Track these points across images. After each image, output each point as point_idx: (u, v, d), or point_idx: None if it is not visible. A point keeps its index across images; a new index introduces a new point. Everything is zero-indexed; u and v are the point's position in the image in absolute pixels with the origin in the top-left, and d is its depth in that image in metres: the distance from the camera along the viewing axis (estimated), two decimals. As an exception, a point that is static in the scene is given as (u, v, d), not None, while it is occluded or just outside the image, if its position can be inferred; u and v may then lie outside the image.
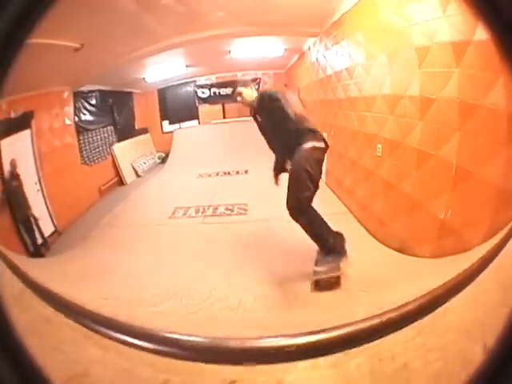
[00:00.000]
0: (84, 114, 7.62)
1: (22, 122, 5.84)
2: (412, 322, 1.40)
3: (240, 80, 10.27)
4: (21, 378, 0.98)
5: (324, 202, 5.30)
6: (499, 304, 1.21)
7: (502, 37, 1.00)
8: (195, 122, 9.41)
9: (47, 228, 5.87)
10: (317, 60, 6.89)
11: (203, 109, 9.49)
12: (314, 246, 3.55)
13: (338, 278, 3.28)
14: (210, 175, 7.81)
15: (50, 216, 6.04)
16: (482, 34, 2.23)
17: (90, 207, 6.91)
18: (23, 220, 5.37)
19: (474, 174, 2.63)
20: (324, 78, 6.50)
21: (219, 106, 9.46)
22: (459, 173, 2.81)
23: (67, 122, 7.07)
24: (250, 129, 8.80)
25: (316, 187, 3.54)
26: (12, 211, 5.23)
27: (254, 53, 8.36)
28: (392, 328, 1.40)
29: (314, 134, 3.65)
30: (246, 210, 5.62)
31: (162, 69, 8.29)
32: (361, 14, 4.71)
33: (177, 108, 9.55)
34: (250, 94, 3.93)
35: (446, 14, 2.79)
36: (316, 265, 3.36)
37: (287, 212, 3.50)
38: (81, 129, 7.44)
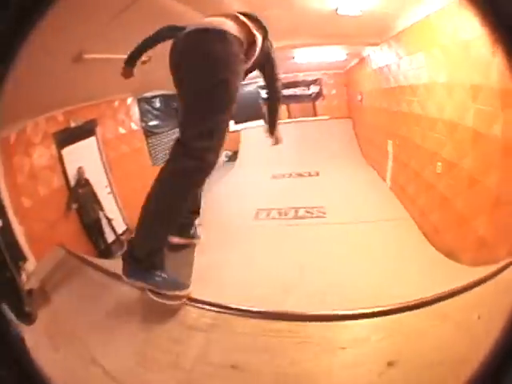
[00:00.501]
0: (150, 119, 7.92)
1: (85, 131, 6.06)
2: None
3: (301, 81, 10.83)
4: (21, 378, 1.02)
5: (388, 207, 5.97)
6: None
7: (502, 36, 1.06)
8: (261, 121, 9.06)
9: (119, 227, 6.21)
10: (379, 69, 7.09)
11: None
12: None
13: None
14: (283, 176, 7.84)
15: (122, 216, 6.38)
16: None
17: None
18: (93, 222, 5.70)
19: (509, 202, 3.21)
20: (388, 88, 6.72)
21: (283, 107, 9.37)
22: (497, 199, 3.39)
23: (134, 127, 7.39)
24: (314, 129, 9.15)
25: None
26: (80, 216, 5.55)
27: (316, 58, 8.58)
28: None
29: None
30: (324, 213, 5.70)
31: None
32: (421, 34, 4.93)
33: (241, 108, 9.11)
34: None
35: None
36: None
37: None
38: (149, 133, 7.76)
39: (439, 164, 4.73)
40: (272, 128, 3.97)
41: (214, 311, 2.23)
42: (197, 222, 3.29)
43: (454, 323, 1.81)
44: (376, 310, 2.04)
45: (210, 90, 2.27)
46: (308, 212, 5.83)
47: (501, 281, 1.92)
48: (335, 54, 8.32)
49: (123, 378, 1.71)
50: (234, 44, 2.36)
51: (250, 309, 2.16)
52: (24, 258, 4.39)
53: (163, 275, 2.31)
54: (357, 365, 1.68)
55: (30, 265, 4.10)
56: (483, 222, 3.63)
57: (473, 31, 3.67)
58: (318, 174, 7.89)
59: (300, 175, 7.93)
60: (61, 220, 5.25)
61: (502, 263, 2.05)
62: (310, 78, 10.58)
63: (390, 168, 6.91)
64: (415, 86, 5.47)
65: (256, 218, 6.09)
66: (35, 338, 1.33)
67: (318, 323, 2.06)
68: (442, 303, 1.98)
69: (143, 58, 4.58)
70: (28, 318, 1.39)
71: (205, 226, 5.84)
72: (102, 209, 5.89)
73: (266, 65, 3.38)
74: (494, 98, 3.43)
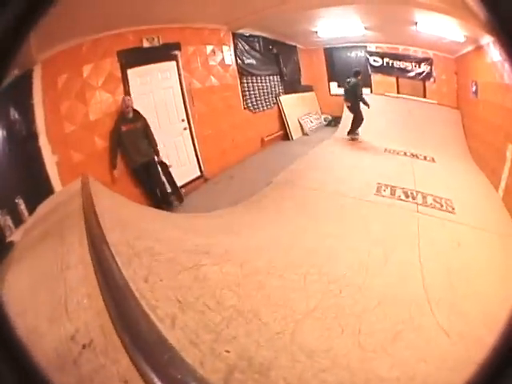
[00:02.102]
0: (247, 58, 7.45)
1: (162, 53, 5.61)
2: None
3: (413, 56, 10.17)
4: (21, 378, 1.02)
5: (499, 219, 5.23)
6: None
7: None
8: (367, 90, 8.80)
9: (191, 172, 5.70)
10: (501, 63, 6.23)
11: (376, 78, 9.06)
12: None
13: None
14: (397, 153, 7.33)
15: (198, 159, 5.83)
16: None
17: (248, 157, 6.64)
18: (143, 168, 5.09)
19: None
20: (509, 84, 6.06)
21: (393, 79, 9.06)
22: None
23: (227, 61, 6.87)
24: (423, 111, 8.70)
25: None
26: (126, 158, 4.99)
27: (439, 31, 8.01)
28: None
29: None
30: (453, 209, 5.22)
31: (338, 25, 7.76)
32: None
33: (347, 71, 8.56)
34: None
35: None
36: None
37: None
38: (245, 72, 7.32)
39: None
40: None
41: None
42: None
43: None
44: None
45: None
46: (437, 202, 5.35)
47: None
48: (456, 32, 7.68)
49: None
50: None
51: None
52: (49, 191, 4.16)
53: None
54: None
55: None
56: None
57: None
58: (434, 161, 7.43)
59: (415, 156, 7.44)
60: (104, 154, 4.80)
61: None
62: (421, 56, 9.84)
63: (505, 176, 6.17)
64: None
65: (378, 194, 5.56)
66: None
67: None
68: None
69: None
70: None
71: (303, 185, 5.55)
72: (156, 153, 5.17)
73: None
74: None
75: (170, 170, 5.36)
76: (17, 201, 3.54)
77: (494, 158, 6.77)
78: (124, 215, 3.83)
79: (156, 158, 5.21)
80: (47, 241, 2.84)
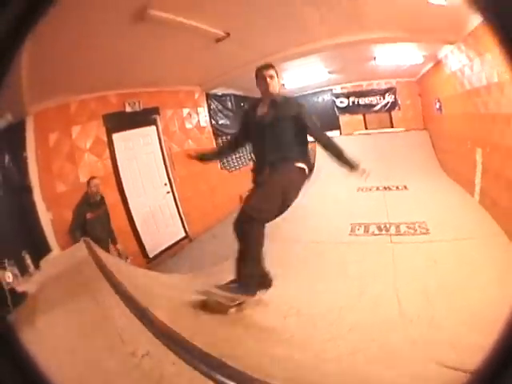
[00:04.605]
0: (221, 118, 7.66)
1: (143, 118, 5.74)
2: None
3: (376, 89, 10.45)
4: (21, 379, 1.01)
5: (482, 222, 5.42)
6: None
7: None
8: (336, 132, 9.18)
9: (176, 233, 5.82)
10: (460, 70, 6.65)
11: (344, 119, 9.34)
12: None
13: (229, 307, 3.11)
14: (370, 189, 7.45)
15: (182, 220, 5.97)
16: None
17: (227, 215, 6.40)
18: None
19: None
20: (471, 90, 6.24)
21: (360, 117, 9.34)
22: None
23: (202, 123, 7.09)
24: (392, 141, 8.94)
25: (282, 210, 3.33)
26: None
27: (397, 60, 8.25)
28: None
29: (307, 156, 3.54)
30: (427, 230, 5.28)
31: (303, 74, 8.05)
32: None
33: (316, 118, 8.93)
34: (276, 84, 3.40)
35: None
36: (218, 285, 3.10)
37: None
38: (219, 132, 7.48)
39: None
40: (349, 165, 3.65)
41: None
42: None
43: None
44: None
45: None
46: (410, 228, 5.43)
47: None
48: (413, 55, 7.96)
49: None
50: None
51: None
52: (47, 249, 4.18)
53: None
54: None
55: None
56: None
57: None
58: (406, 188, 7.57)
59: (387, 188, 7.59)
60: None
61: None
62: (383, 87, 10.30)
63: (478, 180, 6.33)
64: (502, 83, 4.97)
65: (353, 233, 5.64)
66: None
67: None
68: None
69: (220, 32, 4.53)
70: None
71: (282, 239, 5.41)
72: (114, 242, 4.93)
73: None
74: None
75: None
76: (23, 254, 3.70)
77: (465, 166, 6.97)
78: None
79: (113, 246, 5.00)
80: (78, 299, 2.92)
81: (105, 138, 5.14)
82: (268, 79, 3.33)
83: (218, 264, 4.81)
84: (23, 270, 3.60)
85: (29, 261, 3.70)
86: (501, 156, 5.40)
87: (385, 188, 7.56)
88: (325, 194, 7.63)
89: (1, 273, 3.32)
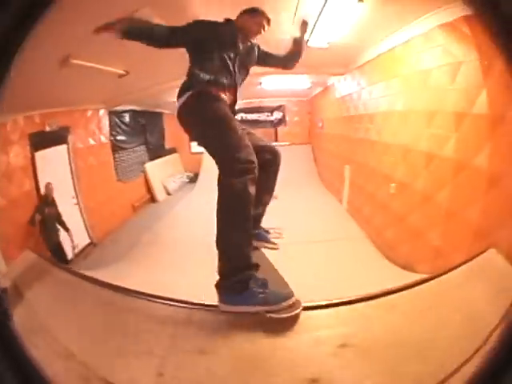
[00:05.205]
0: (119, 133, 8.01)
1: (58, 137, 6.08)
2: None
3: (266, 106, 11.20)
4: (21, 378, 1.02)
5: (344, 227, 6.36)
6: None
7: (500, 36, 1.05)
8: None
9: (83, 240, 6.15)
10: (342, 98, 7.42)
11: None
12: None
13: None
14: None
15: (86, 228, 6.37)
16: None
17: (124, 222, 7.31)
18: (55, 245, 5.49)
19: (459, 214, 3.48)
20: (348, 116, 7.07)
21: None
22: (449, 212, 3.68)
23: (103, 140, 7.45)
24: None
25: None
26: (42, 234, 5.31)
27: (282, 85, 8.79)
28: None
29: None
30: (281, 234, 5.59)
31: None
32: (384, 65, 5.29)
33: None
34: None
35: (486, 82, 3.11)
36: None
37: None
38: (117, 148, 7.86)
39: (393, 185, 5.07)
40: None
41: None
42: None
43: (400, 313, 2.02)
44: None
45: None
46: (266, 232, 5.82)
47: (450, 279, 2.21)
48: (301, 82, 8.58)
49: (98, 368, 1.75)
50: None
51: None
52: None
53: (264, 290, 2.08)
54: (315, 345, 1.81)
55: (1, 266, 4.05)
56: (437, 233, 3.89)
57: (434, 60, 4.04)
58: (276, 198, 7.85)
59: None
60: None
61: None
62: (274, 104, 11.16)
63: (346, 191, 7.27)
64: (373, 114, 5.83)
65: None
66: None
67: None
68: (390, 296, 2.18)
69: (121, 71, 5.19)
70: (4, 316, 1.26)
71: (161, 243, 6.20)
72: (67, 229, 5.67)
73: None
74: (447, 122, 3.76)
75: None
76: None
77: (337, 180, 7.83)
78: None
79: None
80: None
81: (30, 156, 5.40)
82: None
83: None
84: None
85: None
86: (363, 173, 6.26)
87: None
88: (200, 202, 7.92)
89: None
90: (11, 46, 1.07)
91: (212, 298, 2.10)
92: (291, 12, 4.07)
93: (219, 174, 2.15)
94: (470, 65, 3.38)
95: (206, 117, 2.24)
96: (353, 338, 1.81)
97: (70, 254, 5.73)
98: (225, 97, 2.37)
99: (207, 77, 2.32)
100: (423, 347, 1.65)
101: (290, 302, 2.04)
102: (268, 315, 2.00)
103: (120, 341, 1.98)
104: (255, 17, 2.57)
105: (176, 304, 2.27)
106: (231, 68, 2.43)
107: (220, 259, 2.17)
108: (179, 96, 2.33)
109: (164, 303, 2.29)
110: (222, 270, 2.16)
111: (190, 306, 2.25)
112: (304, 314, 2.02)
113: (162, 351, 1.87)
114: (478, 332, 1.53)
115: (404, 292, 2.20)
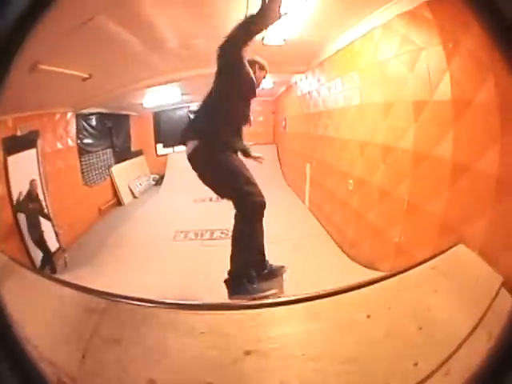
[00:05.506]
0: (85, 137, 7.92)
1: (27, 141, 6.05)
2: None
3: None
4: (21, 378, 1.02)
5: (305, 225, 6.46)
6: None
7: (500, 35, 1.06)
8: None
9: (52, 245, 6.14)
10: (303, 95, 7.49)
11: None
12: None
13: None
14: (203, 200, 7.92)
15: (56, 233, 6.31)
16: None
17: (91, 226, 7.31)
18: (38, 240, 5.61)
19: (422, 208, 3.41)
20: (308, 113, 7.14)
21: None
22: (409, 206, 3.63)
23: (70, 143, 7.36)
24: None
25: None
26: (20, 230, 5.39)
27: None
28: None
29: None
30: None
31: (160, 96, 8.62)
32: (343, 59, 5.30)
33: (171, 132, 9.69)
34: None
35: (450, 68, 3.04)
36: None
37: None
38: (83, 151, 7.77)
39: (351, 182, 5.08)
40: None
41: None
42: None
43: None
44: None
45: None
46: (223, 233, 6.10)
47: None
48: (263, 81, 8.44)
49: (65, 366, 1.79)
50: None
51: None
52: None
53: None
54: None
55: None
56: (398, 230, 3.83)
57: (392, 50, 3.99)
58: None
59: (219, 199, 8.03)
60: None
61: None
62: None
63: (307, 189, 7.34)
64: (331, 111, 5.86)
65: (174, 239, 6.49)
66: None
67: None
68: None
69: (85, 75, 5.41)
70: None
71: (125, 245, 6.29)
72: (49, 219, 5.93)
73: None
74: (405, 112, 3.69)
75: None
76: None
77: (299, 178, 7.91)
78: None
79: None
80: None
81: (2, 160, 5.32)
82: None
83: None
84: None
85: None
86: (322, 170, 6.32)
87: (217, 199, 7.93)
88: (165, 204, 8.48)
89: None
90: (11, 46, 1.09)
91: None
92: (242, 12, 3.93)
93: None
94: (431, 50, 3.32)
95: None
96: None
97: (55, 244, 6.03)
98: None
99: None
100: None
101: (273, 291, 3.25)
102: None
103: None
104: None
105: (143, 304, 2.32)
106: None
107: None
108: None
109: (128, 303, 2.33)
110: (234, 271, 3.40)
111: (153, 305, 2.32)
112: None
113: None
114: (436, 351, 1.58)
115: (351, 293, 2.19)
